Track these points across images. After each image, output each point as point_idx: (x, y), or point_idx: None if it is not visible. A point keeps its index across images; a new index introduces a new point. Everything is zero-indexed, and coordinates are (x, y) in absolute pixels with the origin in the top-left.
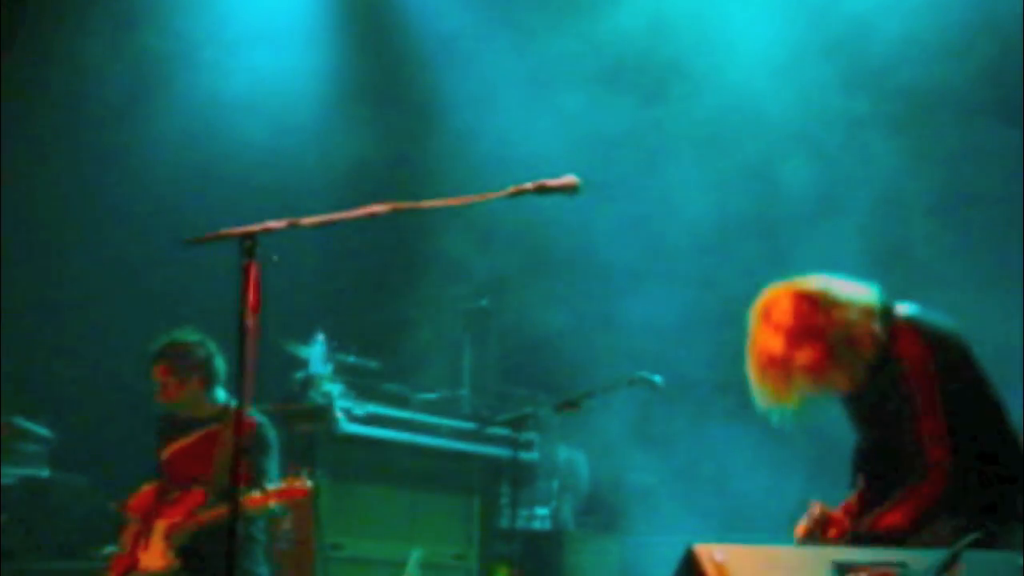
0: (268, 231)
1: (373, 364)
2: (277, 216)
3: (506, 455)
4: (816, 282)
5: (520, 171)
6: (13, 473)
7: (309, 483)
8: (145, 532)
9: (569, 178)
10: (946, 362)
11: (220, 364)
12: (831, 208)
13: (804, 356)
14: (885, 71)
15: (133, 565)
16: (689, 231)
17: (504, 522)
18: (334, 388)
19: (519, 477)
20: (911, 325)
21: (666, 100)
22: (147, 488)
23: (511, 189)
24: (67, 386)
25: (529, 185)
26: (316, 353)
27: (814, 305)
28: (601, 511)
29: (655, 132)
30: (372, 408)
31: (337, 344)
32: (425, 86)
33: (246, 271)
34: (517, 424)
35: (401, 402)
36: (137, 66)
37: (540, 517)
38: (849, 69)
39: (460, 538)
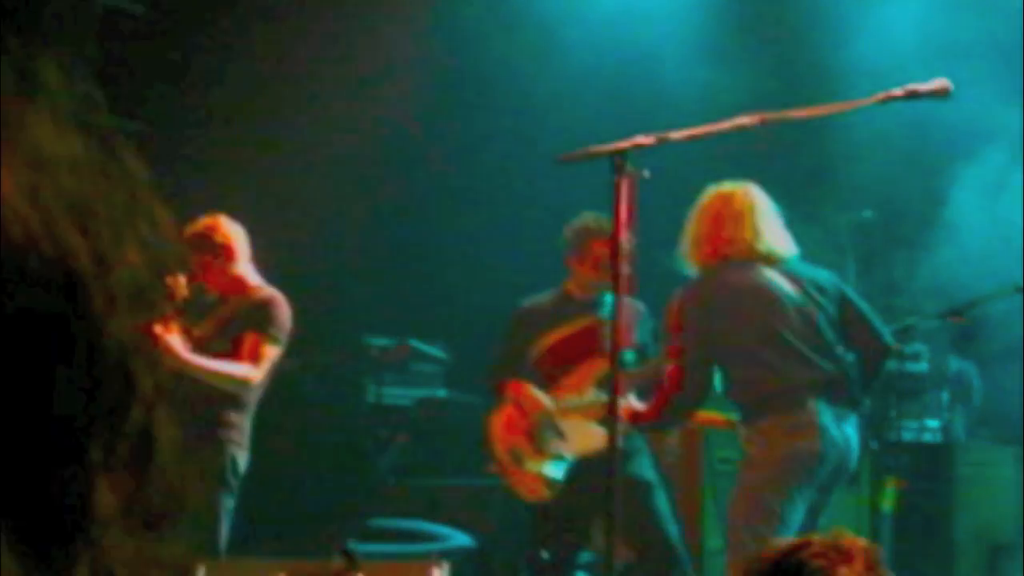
0: (637, 147)
1: None
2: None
3: (893, 367)
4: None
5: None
6: (411, 394)
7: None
8: None
9: (940, 81)
10: (710, 319)
11: None
12: None
13: None
14: None
15: None
16: None
17: (892, 435)
18: None
19: (906, 389)
20: (689, 287)
21: None
22: None
23: (879, 96)
24: (462, 307)
25: (898, 91)
26: None
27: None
28: (995, 423)
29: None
30: None
31: None
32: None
33: (617, 187)
34: (902, 335)
35: None
36: None
37: (931, 429)
38: None
39: None
